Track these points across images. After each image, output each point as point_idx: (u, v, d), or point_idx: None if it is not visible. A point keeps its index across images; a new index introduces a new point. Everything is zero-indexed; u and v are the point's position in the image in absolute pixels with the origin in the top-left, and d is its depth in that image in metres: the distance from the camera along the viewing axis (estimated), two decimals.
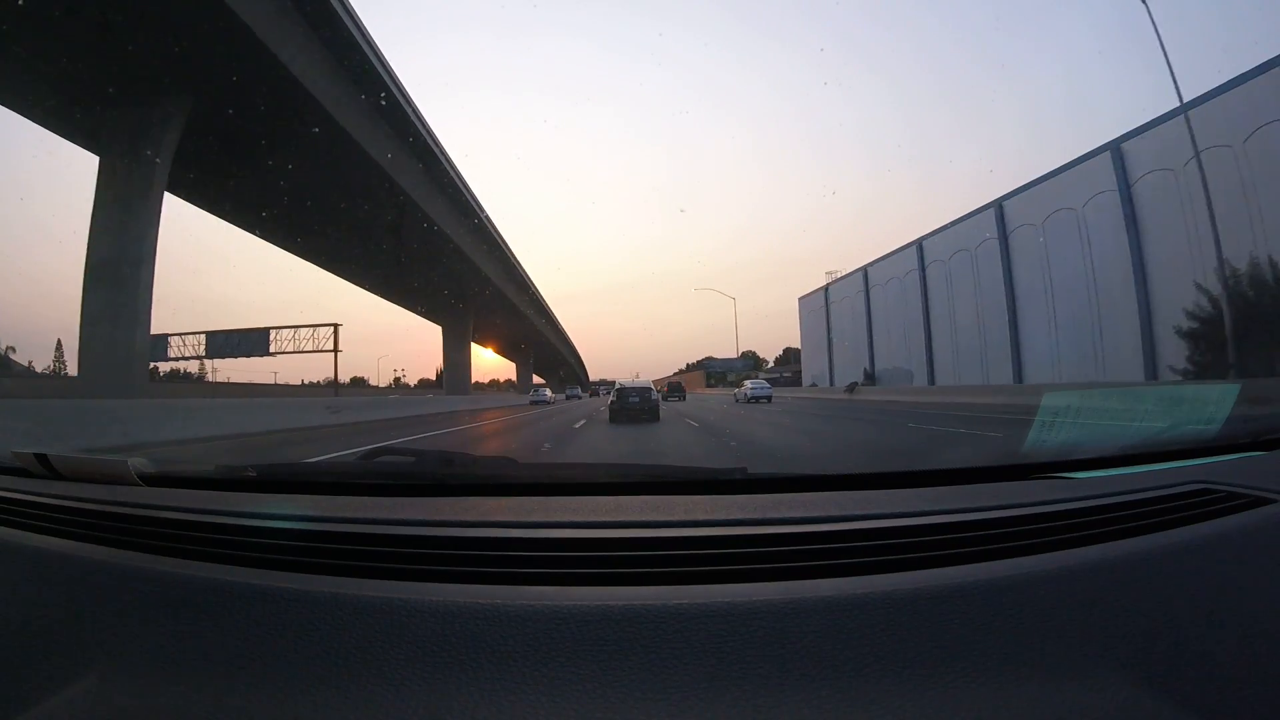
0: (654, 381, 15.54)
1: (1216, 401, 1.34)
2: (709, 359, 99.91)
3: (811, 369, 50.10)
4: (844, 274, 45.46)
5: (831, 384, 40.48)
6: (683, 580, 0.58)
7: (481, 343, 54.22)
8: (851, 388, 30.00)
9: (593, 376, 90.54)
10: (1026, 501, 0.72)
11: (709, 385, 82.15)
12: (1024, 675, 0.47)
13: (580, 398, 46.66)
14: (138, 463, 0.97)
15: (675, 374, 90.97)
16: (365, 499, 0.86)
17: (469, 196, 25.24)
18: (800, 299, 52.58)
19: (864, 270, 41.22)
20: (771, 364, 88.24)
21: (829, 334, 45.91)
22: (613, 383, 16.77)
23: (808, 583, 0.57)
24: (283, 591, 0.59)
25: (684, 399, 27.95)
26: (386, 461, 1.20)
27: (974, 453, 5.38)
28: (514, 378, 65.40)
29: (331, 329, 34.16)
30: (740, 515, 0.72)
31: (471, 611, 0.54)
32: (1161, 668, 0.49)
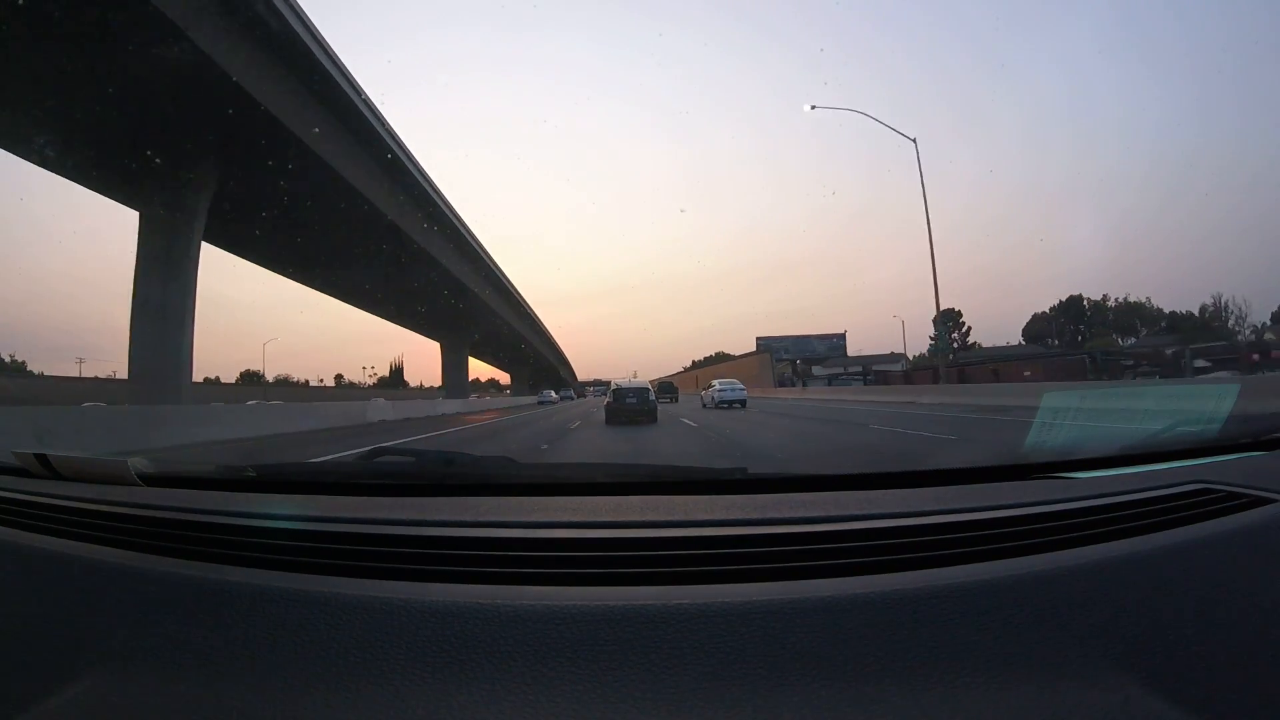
0: (649, 381, 15.47)
1: (1216, 401, 1.33)
2: (769, 338, 60.71)
3: None
4: None
5: None
6: (682, 580, 0.58)
7: (367, 307, 34.30)
8: None
9: (585, 376, 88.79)
10: (1026, 501, 0.72)
11: (781, 383, 48.65)
12: (1024, 675, 0.47)
13: (571, 399, 41.78)
14: (137, 463, 0.97)
15: (680, 371, 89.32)
16: (365, 499, 0.86)
17: None
18: None
19: None
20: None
21: None
22: (607, 383, 16.69)
23: (807, 583, 0.57)
24: (282, 591, 0.59)
25: (676, 400, 27.96)
26: (386, 461, 1.20)
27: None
28: (479, 377, 47.29)
29: None
30: (740, 515, 0.72)
31: (471, 611, 0.54)
32: (1161, 668, 0.49)
